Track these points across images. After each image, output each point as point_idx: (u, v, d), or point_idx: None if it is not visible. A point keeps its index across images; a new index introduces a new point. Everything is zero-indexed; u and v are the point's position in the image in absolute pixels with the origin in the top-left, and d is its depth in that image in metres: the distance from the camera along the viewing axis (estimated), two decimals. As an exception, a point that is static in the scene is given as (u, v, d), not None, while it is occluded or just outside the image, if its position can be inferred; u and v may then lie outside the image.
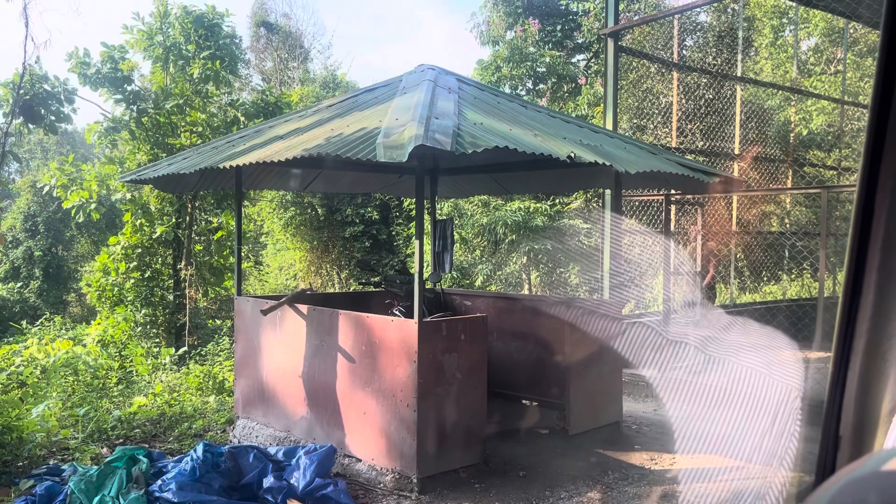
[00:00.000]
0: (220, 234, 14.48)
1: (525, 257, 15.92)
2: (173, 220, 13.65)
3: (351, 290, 22.61)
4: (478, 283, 15.96)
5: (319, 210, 22.36)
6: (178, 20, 13.17)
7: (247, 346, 6.35)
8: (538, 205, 15.44)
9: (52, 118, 11.66)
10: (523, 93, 17.07)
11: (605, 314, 6.14)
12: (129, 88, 12.88)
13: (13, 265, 28.93)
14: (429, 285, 6.97)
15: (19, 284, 28.14)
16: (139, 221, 13.77)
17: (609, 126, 9.07)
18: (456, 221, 16.62)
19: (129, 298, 13.64)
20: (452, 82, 5.66)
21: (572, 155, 4.69)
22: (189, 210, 13.97)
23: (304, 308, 5.55)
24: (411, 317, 6.47)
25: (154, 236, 13.69)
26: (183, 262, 13.97)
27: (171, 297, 13.98)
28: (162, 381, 9.43)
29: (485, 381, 5.19)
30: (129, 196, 13.10)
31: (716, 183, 6.22)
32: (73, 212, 13.06)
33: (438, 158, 6.77)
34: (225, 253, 14.82)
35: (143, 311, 13.64)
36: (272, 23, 30.85)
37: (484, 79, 16.60)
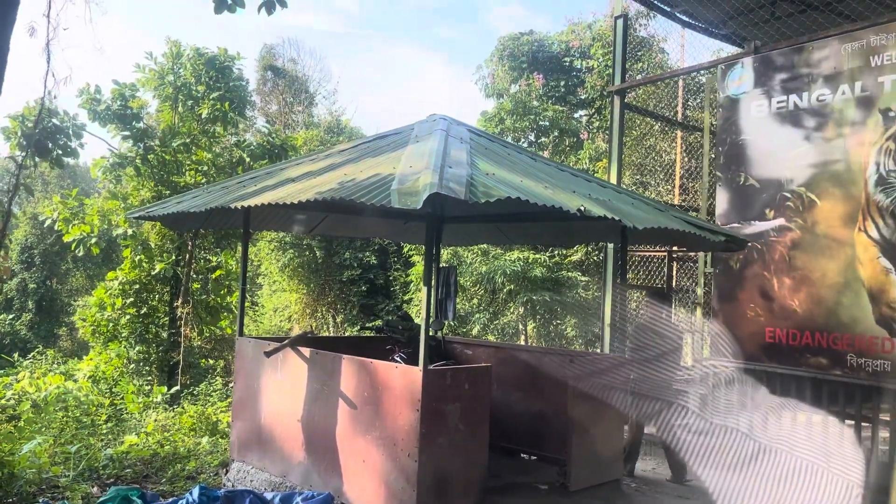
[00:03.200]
0: (218, 273, 14.46)
1: (522, 307, 15.90)
2: (173, 257, 13.63)
3: (346, 334, 22.51)
4: (474, 331, 15.89)
5: (318, 252, 22.38)
6: (189, 61, 13.37)
7: (246, 387, 6.29)
8: (537, 255, 15.48)
9: (59, 152, 11.74)
10: (525, 144, 17.29)
11: (608, 369, 6.11)
12: (137, 126, 13.01)
13: (6, 297, 28.70)
14: (430, 332, 6.93)
15: (11, 316, 27.92)
16: (139, 258, 13.75)
17: (613, 181, 9.15)
18: (458, 269, 16.62)
19: (123, 334, 13.54)
20: (464, 132, 5.74)
21: (582, 208, 4.73)
22: (189, 248, 13.97)
23: (306, 351, 5.52)
24: (413, 363, 6.45)
25: (153, 273, 13.66)
26: (180, 300, 13.89)
27: (165, 335, 13.89)
28: (154, 420, 9.29)
29: (486, 433, 5.14)
30: (129, 231, 13.10)
31: (722, 242, 6.26)
32: (73, 245, 13.04)
33: (446, 206, 6.81)
34: (222, 292, 14.77)
35: (137, 348, 13.52)
36: (279, 67, 31.28)
37: (488, 129, 16.83)
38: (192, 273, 14.09)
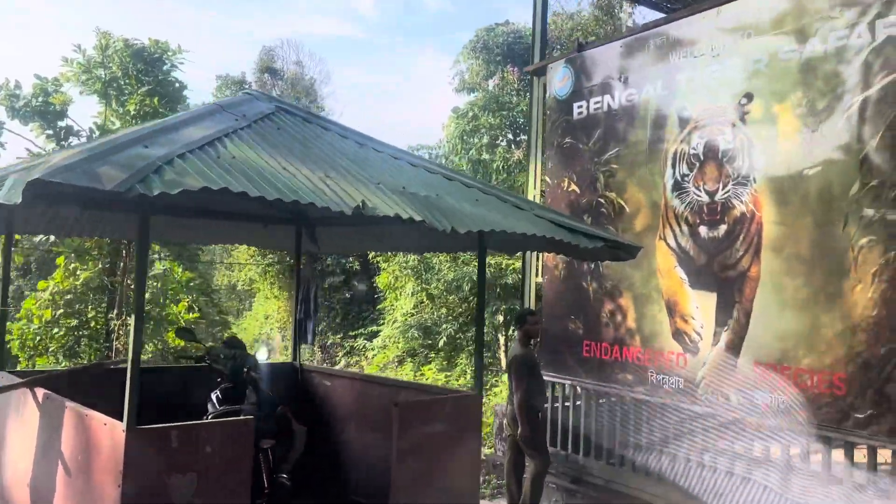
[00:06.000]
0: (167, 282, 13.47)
1: (500, 317, 14.56)
2: (99, 265, 12.62)
3: (327, 342, 21.42)
4: (441, 342, 14.61)
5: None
6: (117, 53, 12.35)
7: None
8: (510, 261, 14.13)
9: (-26, 151, 10.83)
10: (504, 143, 15.93)
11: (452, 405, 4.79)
12: (60, 124, 12.04)
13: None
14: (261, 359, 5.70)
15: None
16: (73, 265, 12.80)
17: (535, 172, 7.85)
18: (425, 275, 15.35)
19: (51, 349, 12.58)
20: (259, 109, 4.48)
21: (362, 203, 3.47)
22: (125, 254, 12.96)
23: (40, 394, 4.28)
24: (233, 402, 5.19)
25: (85, 282, 12.69)
26: (116, 311, 12.89)
27: (101, 349, 12.90)
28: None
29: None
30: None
31: (605, 248, 4.91)
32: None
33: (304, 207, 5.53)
34: (167, 302, 13.76)
35: (64, 364, 12.54)
36: (277, 69, 30.50)
37: (459, 127, 15.52)
38: (127, 281, 13.06)
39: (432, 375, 14.19)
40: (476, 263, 14.00)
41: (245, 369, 5.22)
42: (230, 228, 6.67)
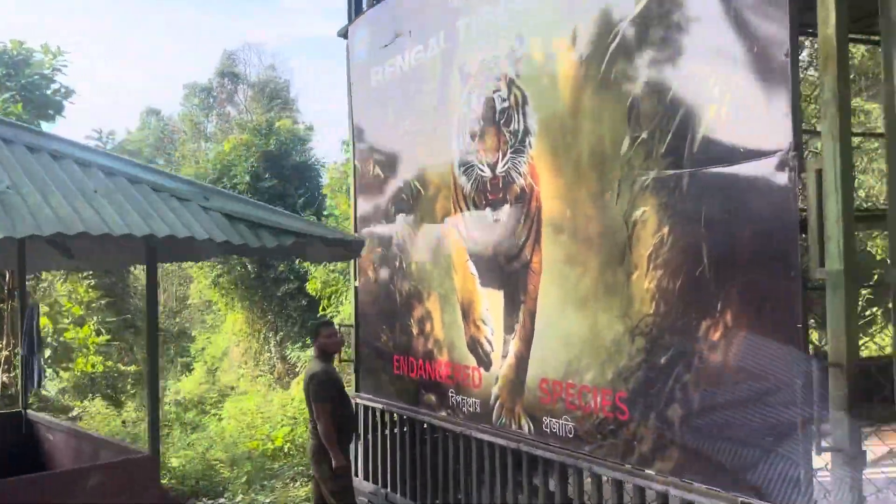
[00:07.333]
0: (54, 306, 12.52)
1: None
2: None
3: (287, 353, 20.38)
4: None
5: (249, 267, 20.33)
6: (-25, 57, 11.42)
7: None
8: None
9: None
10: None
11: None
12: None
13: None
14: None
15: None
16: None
17: (352, 157, 6.67)
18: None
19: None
20: None
21: None
22: (8, 279, 12.04)
23: None
24: None
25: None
26: (4, 341, 12.00)
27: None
28: None
29: None
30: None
31: (296, 245, 3.73)
32: None
33: None
34: (66, 326, 12.84)
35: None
36: (237, 73, 29.78)
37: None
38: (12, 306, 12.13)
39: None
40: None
41: None
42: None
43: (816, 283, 3.04)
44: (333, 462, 5.09)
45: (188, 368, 23.54)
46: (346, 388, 5.78)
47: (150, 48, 59.66)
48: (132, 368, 14.98)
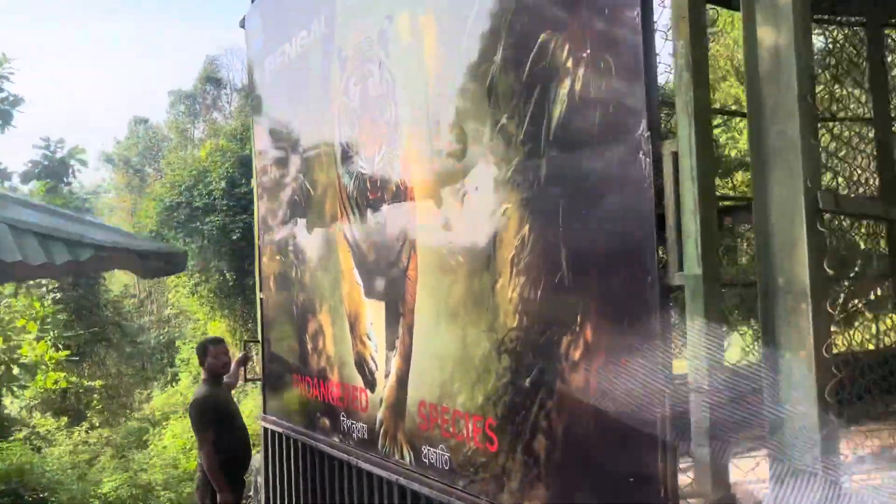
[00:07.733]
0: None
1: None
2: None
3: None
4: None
5: (227, 275, 19.89)
6: None
7: None
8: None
9: None
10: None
11: None
12: None
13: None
14: None
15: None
16: None
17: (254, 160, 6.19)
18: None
19: None
20: None
21: None
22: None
23: None
24: None
25: None
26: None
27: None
28: None
29: None
30: None
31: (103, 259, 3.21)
32: None
33: None
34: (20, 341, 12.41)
35: None
36: (220, 79, 29.38)
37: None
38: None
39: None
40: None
41: None
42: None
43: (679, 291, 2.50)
44: (218, 497, 4.60)
45: (175, 379, 23.19)
46: (239, 412, 5.30)
47: (135, 57, 59.61)
48: (97, 384, 14.57)
